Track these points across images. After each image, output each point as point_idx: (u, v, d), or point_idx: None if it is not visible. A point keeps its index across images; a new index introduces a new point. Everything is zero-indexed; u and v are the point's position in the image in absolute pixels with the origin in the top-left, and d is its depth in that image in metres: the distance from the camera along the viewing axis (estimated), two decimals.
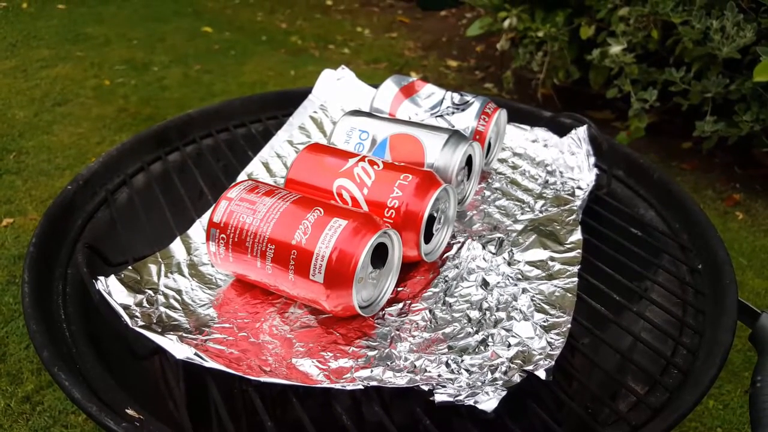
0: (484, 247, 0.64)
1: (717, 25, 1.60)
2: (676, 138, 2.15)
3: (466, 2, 2.52)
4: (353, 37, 3.29)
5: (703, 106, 1.79)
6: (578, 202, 0.72)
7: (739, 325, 0.59)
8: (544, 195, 0.75)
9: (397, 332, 0.55)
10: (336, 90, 0.91)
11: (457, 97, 0.77)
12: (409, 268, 0.61)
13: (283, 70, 2.70)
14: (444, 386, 0.48)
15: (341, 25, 3.48)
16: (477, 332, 0.54)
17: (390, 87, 0.80)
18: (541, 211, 0.71)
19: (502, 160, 0.82)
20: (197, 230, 0.66)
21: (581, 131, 0.82)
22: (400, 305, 0.58)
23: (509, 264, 0.62)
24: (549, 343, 0.52)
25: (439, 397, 0.47)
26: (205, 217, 0.67)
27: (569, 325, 0.54)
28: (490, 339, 0.53)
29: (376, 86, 0.83)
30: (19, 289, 1.39)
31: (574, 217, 0.69)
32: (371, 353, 0.53)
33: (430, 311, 0.57)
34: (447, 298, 0.58)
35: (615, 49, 1.85)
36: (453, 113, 0.76)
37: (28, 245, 0.62)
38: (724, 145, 1.88)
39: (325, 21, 3.54)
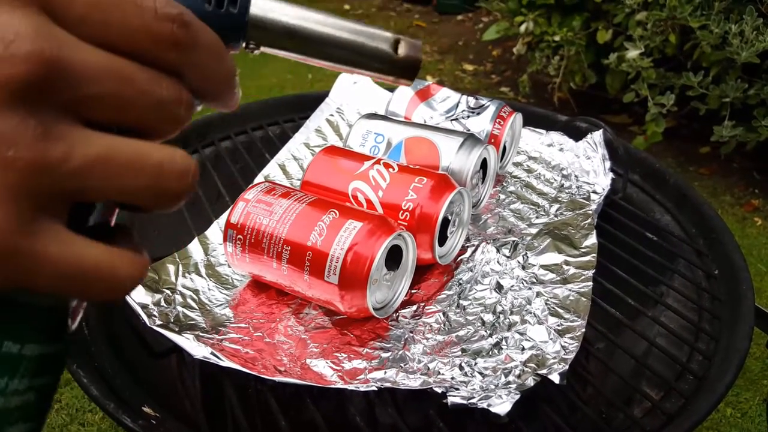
0: (498, 251, 0.64)
1: (736, 30, 1.59)
2: (694, 143, 2.13)
3: (482, 6, 2.52)
4: None
5: (722, 110, 1.77)
6: (593, 206, 0.72)
7: (759, 333, 0.59)
8: (560, 199, 0.75)
9: (411, 334, 0.55)
10: (352, 93, 0.92)
11: (472, 100, 0.77)
12: (423, 270, 0.62)
13: (301, 74, 2.72)
14: (457, 389, 0.48)
15: None
16: (491, 335, 0.54)
17: (405, 91, 0.80)
18: (556, 215, 0.71)
19: (517, 164, 0.82)
20: (215, 231, 0.67)
21: (597, 135, 0.82)
22: (414, 307, 0.58)
23: (523, 267, 0.62)
24: (563, 347, 0.52)
25: (452, 400, 0.47)
26: (223, 218, 0.68)
27: (583, 330, 0.54)
28: (503, 342, 0.53)
29: (391, 90, 0.83)
30: None
31: (589, 221, 0.68)
32: (385, 355, 0.53)
33: (444, 314, 0.57)
34: (461, 301, 0.58)
35: (632, 53, 1.84)
36: (468, 117, 0.76)
37: None
38: (743, 150, 1.86)
39: None
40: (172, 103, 0.21)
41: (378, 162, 0.62)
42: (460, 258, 0.64)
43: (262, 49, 0.26)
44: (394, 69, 0.28)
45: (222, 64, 0.22)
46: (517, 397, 0.46)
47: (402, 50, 0.28)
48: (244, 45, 0.26)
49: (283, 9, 0.26)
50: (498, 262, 0.63)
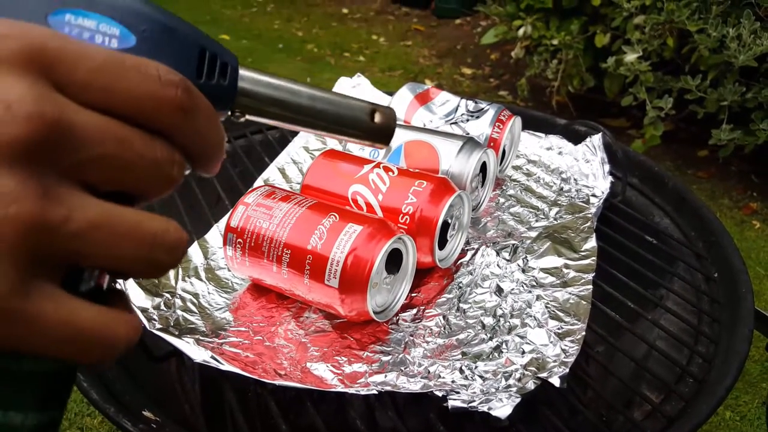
0: (498, 254, 0.64)
1: (733, 33, 1.60)
2: (692, 146, 2.14)
3: (481, 11, 2.52)
4: (369, 45, 3.31)
5: (720, 114, 1.78)
6: (593, 210, 0.72)
7: (757, 335, 0.59)
8: (559, 202, 0.75)
9: (411, 338, 0.55)
10: None
11: (471, 104, 0.78)
12: (423, 274, 0.62)
13: (300, 78, 2.71)
14: (458, 392, 0.48)
15: (357, 33, 3.50)
16: (491, 339, 0.54)
17: (405, 94, 0.80)
18: (555, 219, 0.71)
19: (516, 168, 0.82)
20: (214, 235, 0.67)
21: (596, 139, 0.82)
22: (414, 311, 0.58)
23: (523, 271, 0.62)
24: (563, 350, 0.52)
25: (452, 403, 0.47)
26: (222, 221, 0.68)
27: (584, 333, 0.54)
28: (504, 346, 0.53)
29: (391, 94, 0.83)
30: None
31: (588, 224, 0.68)
32: (385, 358, 0.53)
33: (444, 317, 0.57)
34: (461, 305, 0.59)
35: (630, 57, 1.85)
36: (467, 120, 0.76)
37: None
38: (741, 153, 1.87)
39: (341, 29, 3.56)
40: (166, 165, 0.21)
41: (378, 165, 0.62)
42: (460, 261, 0.64)
43: (247, 116, 0.28)
44: (371, 135, 0.31)
45: (217, 129, 0.23)
46: (518, 400, 0.46)
47: (378, 118, 0.31)
48: (230, 113, 0.27)
49: (269, 82, 0.28)
50: (498, 265, 0.63)
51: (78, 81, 0.19)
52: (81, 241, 0.19)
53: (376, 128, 0.31)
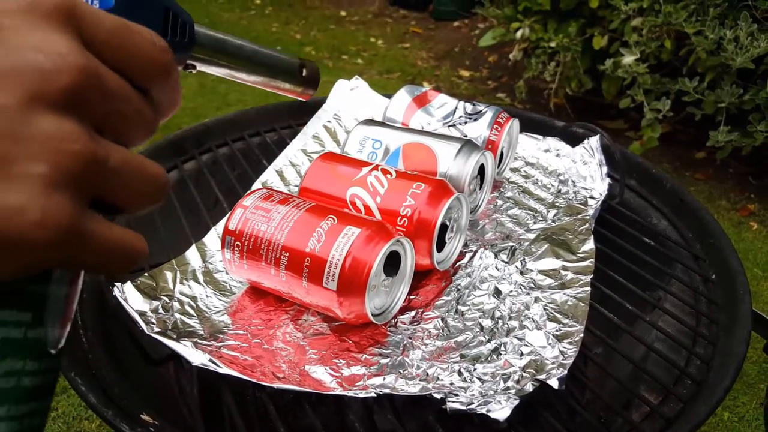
0: (496, 256, 0.64)
1: (731, 35, 1.60)
2: (690, 148, 2.14)
3: (479, 13, 2.53)
4: (367, 48, 3.31)
5: (717, 116, 1.78)
6: (591, 212, 0.72)
7: (755, 336, 0.59)
8: (557, 204, 0.75)
9: (410, 340, 0.55)
10: (350, 100, 0.92)
11: (469, 106, 0.78)
12: (421, 276, 0.62)
13: None
14: (456, 394, 0.48)
15: (355, 35, 3.50)
16: (489, 341, 0.54)
17: (403, 97, 0.80)
18: (553, 221, 0.71)
19: (514, 170, 0.82)
20: (212, 238, 0.67)
21: (594, 141, 0.82)
22: (413, 313, 0.58)
23: (522, 273, 0.62)
24: (561, 352, 0.52)
25: (451, 406, 0.47)
26: (221, 224, 0.68)
27: (582, 335, 0.54)
28: (502, 348, 0.53)
29: (389, 96, 0.84)
30: None
31: (586, 226, 0.69)
32: (384, 361, 0.53)
33: (443, 319, 0.57)
34: (459, 307, 0.59)
35: (628, 59, 1.85)
36: (465, 123, 0.76)
37: None
38: (739, 155, 1.87)
39: (339, 32, 3.57)
40: (151, 119, 0.25)
41: (376, 168, 0.62)
42: (458, 264, 0.64)
43: (199, 67, 0.34)
44: (302, 84, 0.41)
45: (179, 85, 0.27)
46: (516, 402, 0.46)
47: (305, 72, 0.41)
48: (183, 66, 0.33)
49: (219, 38, 0.34)
50: (496, 267, 0.63)
51: (100, 39, 0.22)
52: (115, 176, 0.22)
53: (306, 78, 0.41)
